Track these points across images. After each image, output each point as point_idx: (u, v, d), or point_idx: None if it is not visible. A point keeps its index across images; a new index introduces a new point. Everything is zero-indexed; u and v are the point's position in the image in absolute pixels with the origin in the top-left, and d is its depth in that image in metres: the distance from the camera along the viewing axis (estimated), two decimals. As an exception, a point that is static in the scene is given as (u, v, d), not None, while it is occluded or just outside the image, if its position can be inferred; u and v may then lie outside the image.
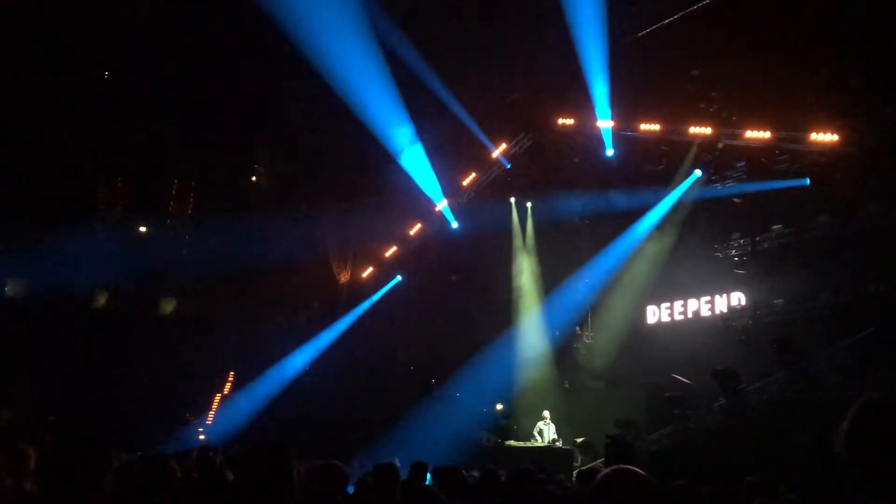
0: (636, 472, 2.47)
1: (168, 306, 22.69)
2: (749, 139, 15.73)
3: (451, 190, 21.52)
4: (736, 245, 17.60)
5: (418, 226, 22.63)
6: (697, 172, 17.51)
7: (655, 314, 18.95)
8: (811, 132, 14.55)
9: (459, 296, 20.47)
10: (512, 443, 17.27)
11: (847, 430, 1.91)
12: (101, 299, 21.69)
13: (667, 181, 18.00)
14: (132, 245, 22.63)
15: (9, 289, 20.48)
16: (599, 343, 19.61)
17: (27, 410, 17.07)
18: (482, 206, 21.22)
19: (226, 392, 22.61)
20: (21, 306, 20.16)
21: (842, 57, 14.05)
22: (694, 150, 17.23)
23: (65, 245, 20.16)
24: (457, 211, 21.75)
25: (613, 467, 2.53)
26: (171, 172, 23.13)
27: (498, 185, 21.11)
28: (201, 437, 20.85)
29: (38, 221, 19.48)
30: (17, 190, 19.14)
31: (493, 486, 5.82)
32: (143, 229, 23.28)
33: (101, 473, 3.08)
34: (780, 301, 16.06)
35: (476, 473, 7.06)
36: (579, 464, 15.18)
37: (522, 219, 21.21)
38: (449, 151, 20.08)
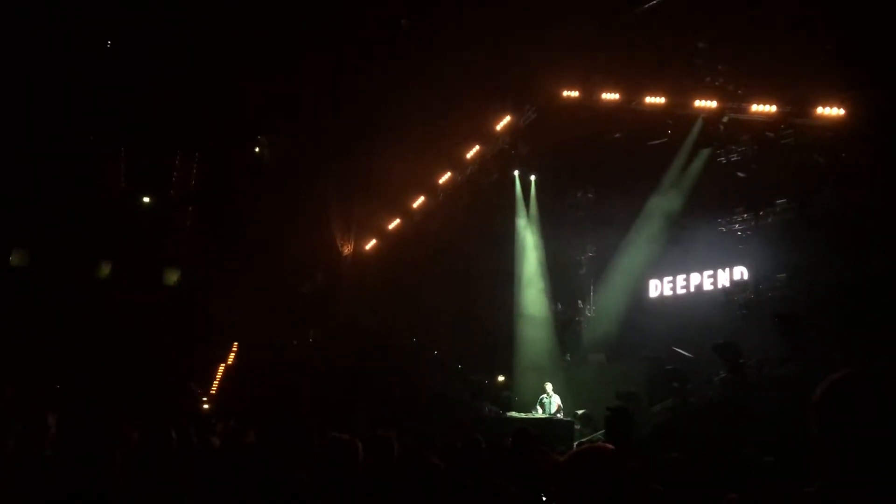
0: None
1: (172, 277, 22.75)
2: (755, 113, 15.63)
3: (454, 162, 21.49)
4: (739, 219, 17.57)
5: (422, 198, 22.61)
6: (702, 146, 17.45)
7: (657, 288, 18.97)
8: (817, 106, 14.45)
9: (462, 269, 20.48)
10: (513, 414, 17.38)
11: (817, 411, 1.93)
12: (105, 269, 21.74)
13: (671, 155, 17.93)
14: (136, 215, 22.67)
15: (13, 258, 20.53)
16: (601, 316, 19.67)
17: (31, 381, 17.16)
18: (486, 180, 21.23)
19: (229, 363, 22.76)
20: (25, 275, 20.24)
21: (849, 30, 13.90)
22: (699, 123, 17.13)
23: (68, 215, 20.25)
24: (461, 183, 21.73)
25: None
26: (174, 143, 23.07)
27: (502, 158, 21.04)
28: (205, 406, 21.05)
29: (42, 191, 19.53)
30: (21, 159, 19.14)
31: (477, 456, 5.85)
32: (146, 200, 23.27)
33: (114, 442, 3.13)
34: (782, 276, 16.05)
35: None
36: (580, 435, 15.31)
37: (526, 192, 21.16)
38: (452, 124, 19.99)
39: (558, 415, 16.39)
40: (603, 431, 13.84)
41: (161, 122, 21.15)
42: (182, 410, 18.21)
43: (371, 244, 24.01)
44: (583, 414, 16.52)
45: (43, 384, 17.17)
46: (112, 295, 20.77)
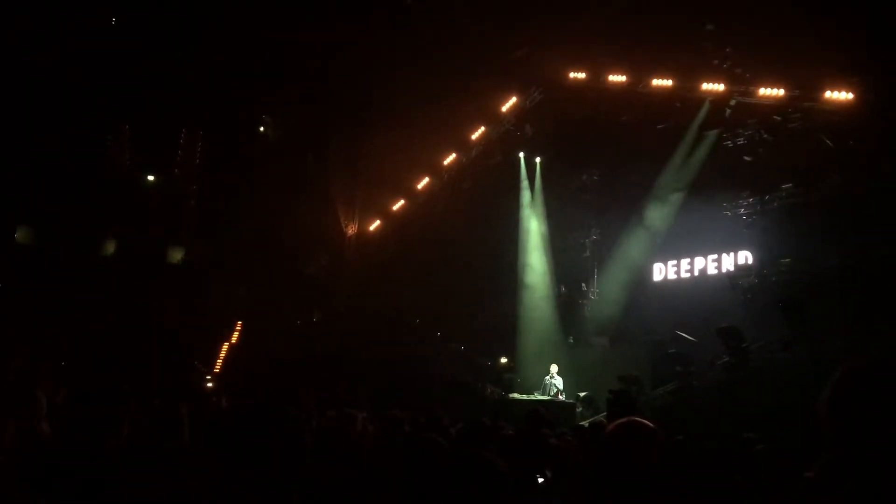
0: (645, 423, 2.50)
1: (176, 255, 22.78)
2: (762, 97, 15.53)
3: (460, 144, 21.44)
4: (745, 203, 17.51)
5: (426, 179, 22.58)
6: (708, 130, 17.36)
7: (662, 271, 18.96)
8: (826, 90, 14.35)
9: (466, 251, 20.48)
10: (515, 395, 17.46)
11: (829, 399, 1.92)
12: (110, 247, 21.78)
13: (678, 138, 17.84)
14: (140, 194, 22.67)
15: (18, 235, 20.57)
16: (604, 299, 19.68)
17: (37, 358, 17.25)
18: (491, 161, 21.17)
19: (234, 341, 22.84)
20: (30, 252, 20.29)
21: (858, 13, 13.77)
22: (706, 106, 17.03)
23: (73, 192, 20.27)
24: (465, 165, 21.68)
25: (625, 419, 2.55)
26: (178, 121, 23.02)
27: (507, 139, 20.97)
28: (209, 384, 21.14)
29: (47, 168, 19.53)
30: (25, 137, 19.12)
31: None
32: (150, 178, 23.26)
33: (119, 418, 3.15)
34: (787, 261, 16.02)
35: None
36: (581, 417, 15.37)
37: (531, 174, 21.10)
38: (457, 105, 19.91)
39: (560, 397, 16.46)
40: (605, 414, 13.88)
41: (165, 100, 21.09)
42: (186, 388, 18.32)
43: (375, 225, 24.01)
44: (585, 396, 16.59)
45: (48, 361, 17.24)
46: (116, 272, 20.82)
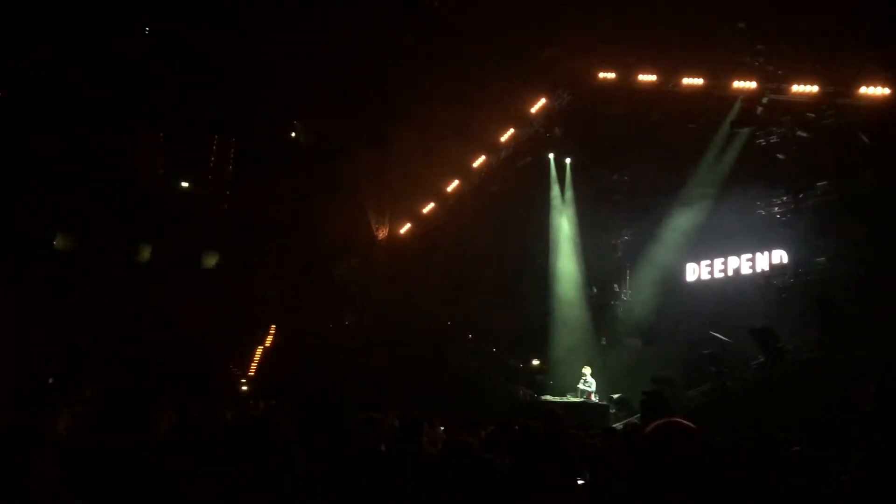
0: (684, 423, 2.50)
1: (210, 260, 23.09)
2: (795, 94, 15.31)
3: (489, 146, 21.44)
4: (779, 202, 17.28)
5: (456, 182, 22.62)
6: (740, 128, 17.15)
7: (695, 272, 18.78)
8: (861, 86, 14.10)
9: (495, 253, 20.47)
10: (548, 397, 17.42)
11: (875, 394, 1.92)
12: (146, 253, 22.13)
13: (709, 137, 17.67)
14: (175, 200, 23.02)
15: (57, 242, 20.99)
16: (637, 300, 19.53)
17: (74, 361, 17.58)
18: (520, 163, 21.14)
19: (267, 345, 23.07)
20: (69, 259, 20.70)
21: (893, 6, 13.53)
22: (738, 105, 16.84)
23: (110, 199, 20.66)
24: (495, 167, 21.68)
25: (663, 420, 2.55)
26: (211, 129, 23.36)
27: (537, 141, 20.93)
28: (244, 388, 21.39)
29: (85, 176, 19.92)
30: (64, 146, 19.54)
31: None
32: (184, 185, 23.61)
33: (153, 420, 3.21)
34: (822, 259, 15.78)
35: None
36: (615, 419, 15.28)
37: (561, 175, 21.02)
38: (487, 107, 19.92)
39: (593, 398, 16.39)
40: (639, 416, 13.78)
41: (198, 108, 21.41)
42: (221, 391, 18.57)
43: (405, 228, 24.09)
44: (618, 398, 16.49)
45: (85, 365, 17.55)
46: (152, 278, 21.16)
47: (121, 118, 20.77)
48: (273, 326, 23.24)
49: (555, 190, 21.08)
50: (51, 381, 16.97)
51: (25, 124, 19.46)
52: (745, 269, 17.64)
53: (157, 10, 19.96)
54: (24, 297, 19.15)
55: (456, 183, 22.62)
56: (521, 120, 20.81)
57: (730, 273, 17.99)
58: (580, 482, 4.37)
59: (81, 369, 16.54)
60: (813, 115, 15.69)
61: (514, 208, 20.79)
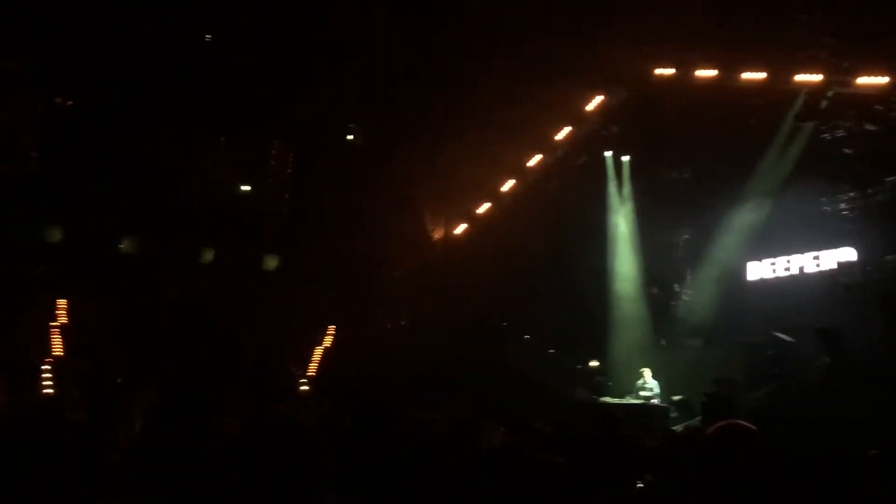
0: (745, 425, 2.47)
1: (271, 262, 23.50)
2: (863, 86, 14.84)
3: (545, 145, 21.33)
4: (846, 198, 16.77)
5: (512, 181, 22.56)
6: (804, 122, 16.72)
7: (758, 270, 18.36)
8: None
9: (552, 253, 20.36)
10: (607, 399, 17.25)
11: None
12: (208, 255, 22.65)
13: (772, 131, 17.27)
14: (236, 203, 23.51)
15: (123, 245, 21.65)
16: (698, 300, 19.18)
17: (139, 363, 18.10)
18: (577, 162, 20.98)
19: (326, 345, 23.38)
20: (134, 261, 21.33)
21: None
22: (801, 98, 16.41)
23: (173, 203, 21.24)
24: (551, 166, 21.55)
25: (724, 422, 2.52)
26: (271, 133, 23.80)
27: (593, 139, 20.73)
28: (304, 388, 21.73)
29: (148, 181, 20.53)
30: (129, 152, 20.19)
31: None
32: (245, 188, 24.10)
33: (210, 420, 3.30)
34: (891, 257, 15.27)
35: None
36: (676, 421, 15.07)
37: (619, 174, 20.78)
38: (542, 106, 19.82)
39: (654, 400, 16.18)
40: (700, 418, 13.57)
41: (258, 113, 21.86)
42: (282, 391, 18.91)
43: (461, 229, 24.14)
44: (679, 400, 16.24)
45: (149, 367, 18.07)
46: (215, 280, 21.66)
47: (183, 124, 21.33)
48: (332, 327, 23.54)
49: (612, 188, 20.81)
50: (119, 380, 17.61)
51: (91, 131, 20.20)
52: (811, 268, 17.15)
53: (217, 14, 20.44)
54: (93, 300, 19.86)
55: (511, 183, 22.57)
56: (577, 118, 20.65)
57: (794, 271, 17.52)
58: (639, 485, 4.33)
59: (148, 371, 17.03)
60: (881, 108, 15.19)
61: (570, 207, 20.62)
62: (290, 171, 24.31)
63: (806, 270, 17.20)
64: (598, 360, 19.78)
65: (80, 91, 20.79)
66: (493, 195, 23.03)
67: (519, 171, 22.24)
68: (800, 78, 15.70)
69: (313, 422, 6.51)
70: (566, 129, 20.86)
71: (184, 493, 3.00)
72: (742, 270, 18.53)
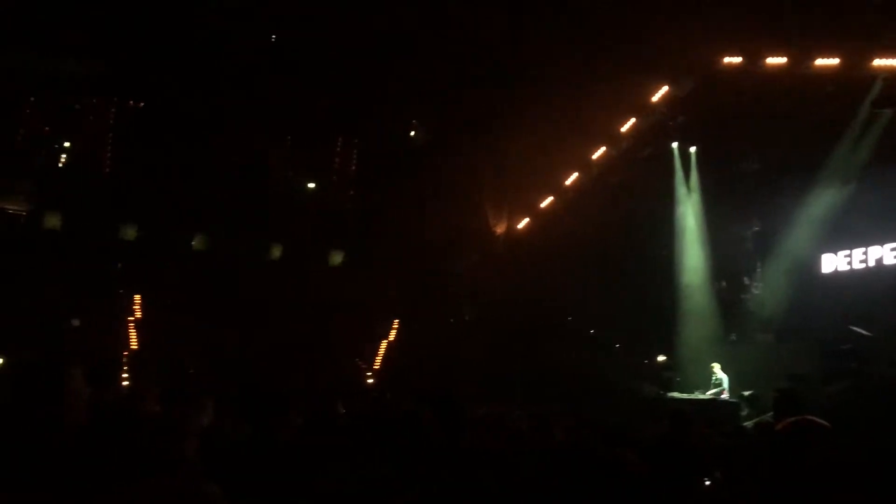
0: (818, 421, 2.42)
1: (336, 258, 23.88)
2: (945, 69, 14.21)
3: (609, 137, 21.06)
4: (926, 187, 16.12)
5: (575, 174, 22.36)
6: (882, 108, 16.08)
7: (832, 263, 17.79)
8: None
9: (617, 246, 20.11)
10: (674, 394, 17.00)
11: None
12: (276, 252, 23.14)
13: (846, 119, 16.68)
14: (302, 200, 23.98)
15: (195, 243, 22.30)
16: (769, 293, 18.70)
17: (211, 359, 18.62)
18: (642, 154, 20.64)
19: (391, 339, 23.63)
20: (206, 258, 21.95)
21: None
22: (879, 84, 15.79)
23: (242, 201, 21.80)
24: (615, 158, 21.26)
25: (796, 417, 2.48)
26: (335, 131, 24.16)
27: (659, 130, 20.37)
28: (370, 381, 22.02)
29: (219, 180, 21.11)
30: (200, 153, 20.79)
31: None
32: (311, 185, 24.54)
33: (285, 411, 3.39)
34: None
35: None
36: (746, 417, 14.77)
37: (686, 166, 20.38)
38: (606, 97, 19.56)
39: (723, 396, 15.87)
40: (771, 414, 13.23)
41: (322, 112, 22.21)
42: (349, 385, 19.20)
43: (524, 222, 24.05)
44: (749, 395, 15.88)
45: (221, 360, 18.57)
46: (283, 275, 22.13)
47: (251, 123, 21.83)
48: (396, 321, 23.78)
49: (679, 180, 20.44)
50: (191, 370, 18.16)
51: (164, 133, 20.86)
52: (889, 259, 16.54)
53: (281, 14, 20.80)
54: (166, 295, 20.53)
55: (575, 175, 22.35)
56: (642, 109, 20.29)
57: (871, 263, 16.92)
58: (707, 482, 4.26)
59: (219, 364, 17.52)
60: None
61: (636, 200, 20.33)
62: (354, 167, 24.65)
63: (884, 262, 16.60)
64: (666, 355, 19.50)
65: (152, 94, 21.47)
66: (557, 188, 22.85)
67: (583, 164, 22.01)
68: (877, 63, 15.09)
69: (378, 415, 6.59)
70: (631, 121, 20.53)
71: (255, 485, 3.09)
72: (816, 262, 17.99)
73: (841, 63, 15.71)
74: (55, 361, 3.12)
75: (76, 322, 18.69)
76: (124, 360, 19.09)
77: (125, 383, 17.73)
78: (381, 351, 23.35)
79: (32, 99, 20.96)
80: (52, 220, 20.57)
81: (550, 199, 23.15)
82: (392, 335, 23.69)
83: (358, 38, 20.25)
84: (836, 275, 17.60)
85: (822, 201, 17.28)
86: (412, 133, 24.40)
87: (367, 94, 21.62)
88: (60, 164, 22.07)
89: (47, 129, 21.53)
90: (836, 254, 17.68)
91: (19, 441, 2.83)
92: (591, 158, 21.71)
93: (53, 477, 2.70)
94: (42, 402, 2.98)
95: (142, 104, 22.08)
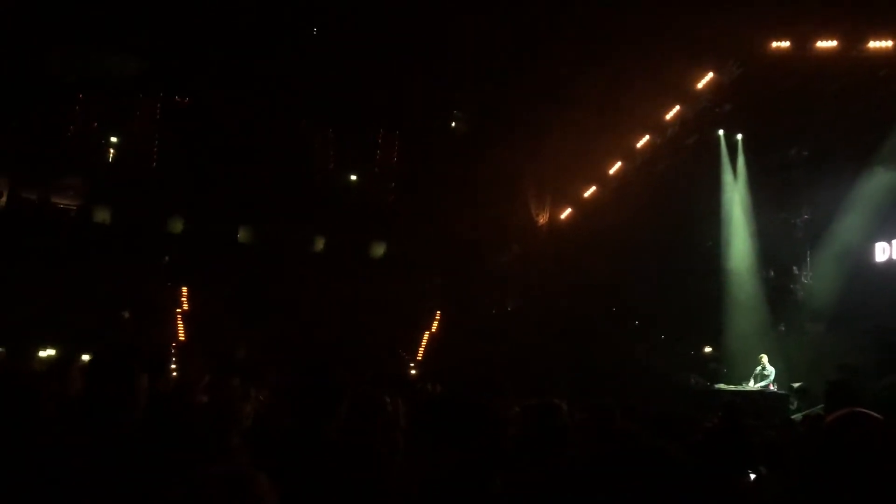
0: (870, 414, 2.35)
1: (379, 250, 24.02)
2: None
3: (653, 125, 20.76)
4: None
5: (619, 164, 22.10)
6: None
7: (885, 251, 17.31)
8: None
9: (663, 236, 19.84)
10: (721, 386, 16.75)
11: None
12: (320, 244, 23.36)
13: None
14: (344, 193, 24.16)
15: (240, 235, 22.63)
16: (819, 283, 18.29)
17: (259, 347, 18.87)
18: (687, 141, 20.32)
19: (433, 331, 23.69)
20: (250, 251, 22.27)
21: None
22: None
23: (287, 194, 22.04)
24: (660, 146, 20.96)
25: (846, 410, 2.41)
26: (377, 123, 24.26)
27: (705, 117, 20.01)
28: (413, 372, 22.10)
29: (263, 174, 21.39)
30: (244, 147, 21.09)
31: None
32: (353, 178, 24.71)
33: (338, 402, 3.41)
34: None
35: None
36: (795, 409, 14.49)
37: (732, 153, 20.00)
38: (650, 85, 19.28)
39: (772, 387, 15.60)
40: (822, 406, 12.95)
41: (364, 104, 22.32)
42: (392, 376, 19.28)
43: (566, 213, 23.86)
44: (799, 387, 15.59)
45: (268, 351, 18.81)
46: (326, 268, 22.33)
47: (294, 117, 22.05)
48: (438, 312, 23.83)
49: (725, 168, 20.08)
50: (238, 362, 18.43)
51: (209, 129, 21.20)
52: (945, 248, 16.10)
53: (322, 10, 20.95)
54: (213, 287, 20.87)
55: (618, 165, 22.09)
56: (687, 96, 19.93)
57: (926, 252, 16.48)
58: (753, 476, 4.19)
59: (266, 355, 17.75)
60: None
61: (681, 189, 20.02)
62: (395, 159, 24.74)
63: (940, 250, 16.14)
64: (713, 346, 19.22)
65: (198, 90, 21.83)
66: (600, 178, 22.61)
67: (626, 153, 21.74)
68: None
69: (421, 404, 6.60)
70: (675, 109, 20.19)
71: (302, 477, 3.11)
72: (869, 251, 17.53)
73: (894, 44, 15.25)
74: (127, 356, 3.19)
75: (126, 314, 19.10)
76: (173, 351, 19.45)
77: (175, 374, 18.11)
78: (424, 342, 23.42)
79: (81, 96, 21.41)
80: (102, 215, 21.08)
81: (594, 188, 22.92)
82: (434, 327, 23.74)
83: (398, 30, 20.29)
84: (890, 263, 17.14)
85: (874, 188, 16.83)
86: (453, 124, 24.38)
87: (408, 85, 21.65)
88: (109, 160, 22.58)
89: (96, 125, 21.98)
90: (889, 242, 17.21)
91: (95, 433, 2.90)
92: (635, 147, 21.42)
93: (124, 467, 2.77)
94: (118, 396, 3.05)
95: (187, 100, 22.45)
